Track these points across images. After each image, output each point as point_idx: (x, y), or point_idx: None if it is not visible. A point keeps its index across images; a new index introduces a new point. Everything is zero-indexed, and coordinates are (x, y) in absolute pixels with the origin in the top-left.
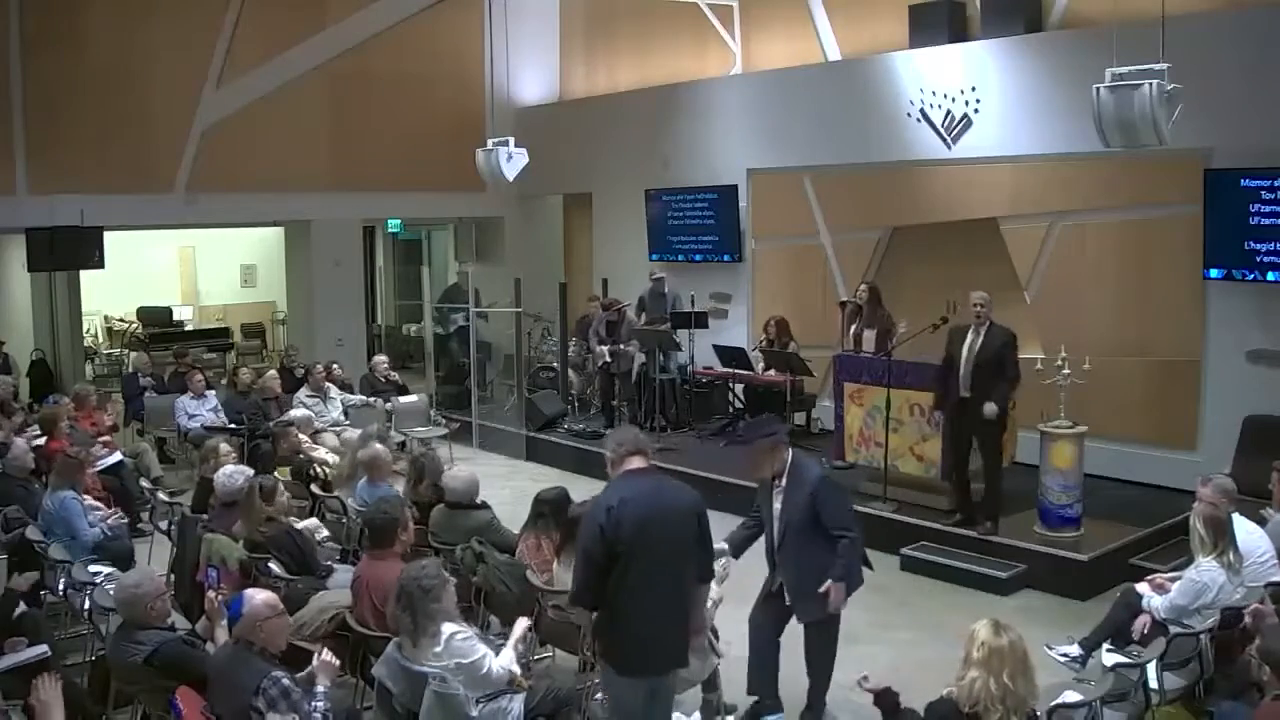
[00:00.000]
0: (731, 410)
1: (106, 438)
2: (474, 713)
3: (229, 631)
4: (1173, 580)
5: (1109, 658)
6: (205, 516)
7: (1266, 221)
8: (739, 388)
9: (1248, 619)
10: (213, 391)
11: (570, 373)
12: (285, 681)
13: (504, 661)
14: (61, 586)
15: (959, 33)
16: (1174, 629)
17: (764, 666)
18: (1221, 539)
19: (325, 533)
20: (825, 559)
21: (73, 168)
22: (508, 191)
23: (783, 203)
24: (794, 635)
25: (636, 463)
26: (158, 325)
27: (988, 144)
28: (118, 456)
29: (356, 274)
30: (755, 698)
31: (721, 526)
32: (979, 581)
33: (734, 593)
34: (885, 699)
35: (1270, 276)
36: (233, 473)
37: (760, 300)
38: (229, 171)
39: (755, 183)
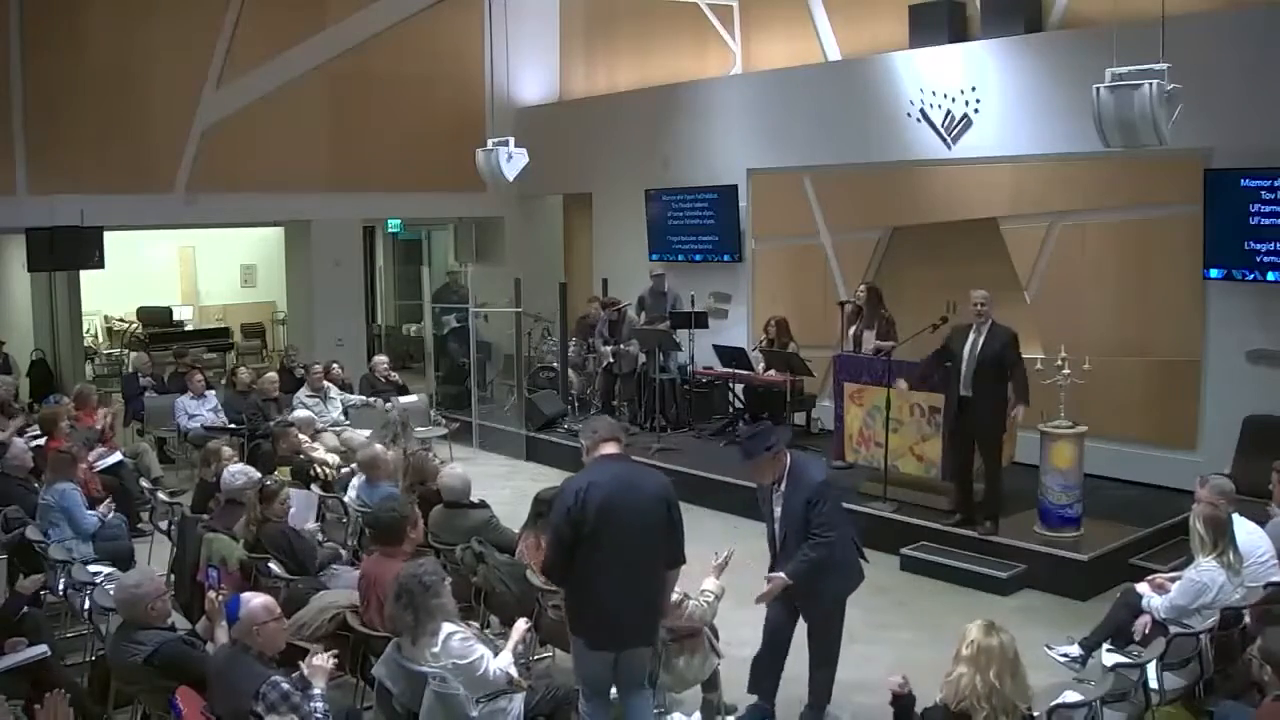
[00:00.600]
0: (731, 410)
1: (100, 413)
2: (474, 713)
3: (229, 632)
4: (1173, 580)
5: (1109, 658)
6: (205, 516)
7: (1266, 221)
8: (739, 388)
9: (1248, 619)
10: (213, 391)
11: (570, 373)
12: (284, 685)
13: (502, 663)
14: (61, 586)
15: (959, 33)
16: (1174, 629)
17: (771, 666)
18: (1221, 539)
19: (320, 535)
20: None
21: (73, 168)
22: (508, 191)
23: (783, 203)
24: (795, 636)
25: (609, 449)
26: (158, 325)
27: (988, 144)
28: (118, 456)
29: (356, 274)
30: (755, 697)
31: (722, 525)
32: (979, 581)
33: (732, 594)
34: (902, 703)
35: (1270, 276)
36: (237, 472)
37: (760, 300)
38: (229, 171)
39: (755, 183)
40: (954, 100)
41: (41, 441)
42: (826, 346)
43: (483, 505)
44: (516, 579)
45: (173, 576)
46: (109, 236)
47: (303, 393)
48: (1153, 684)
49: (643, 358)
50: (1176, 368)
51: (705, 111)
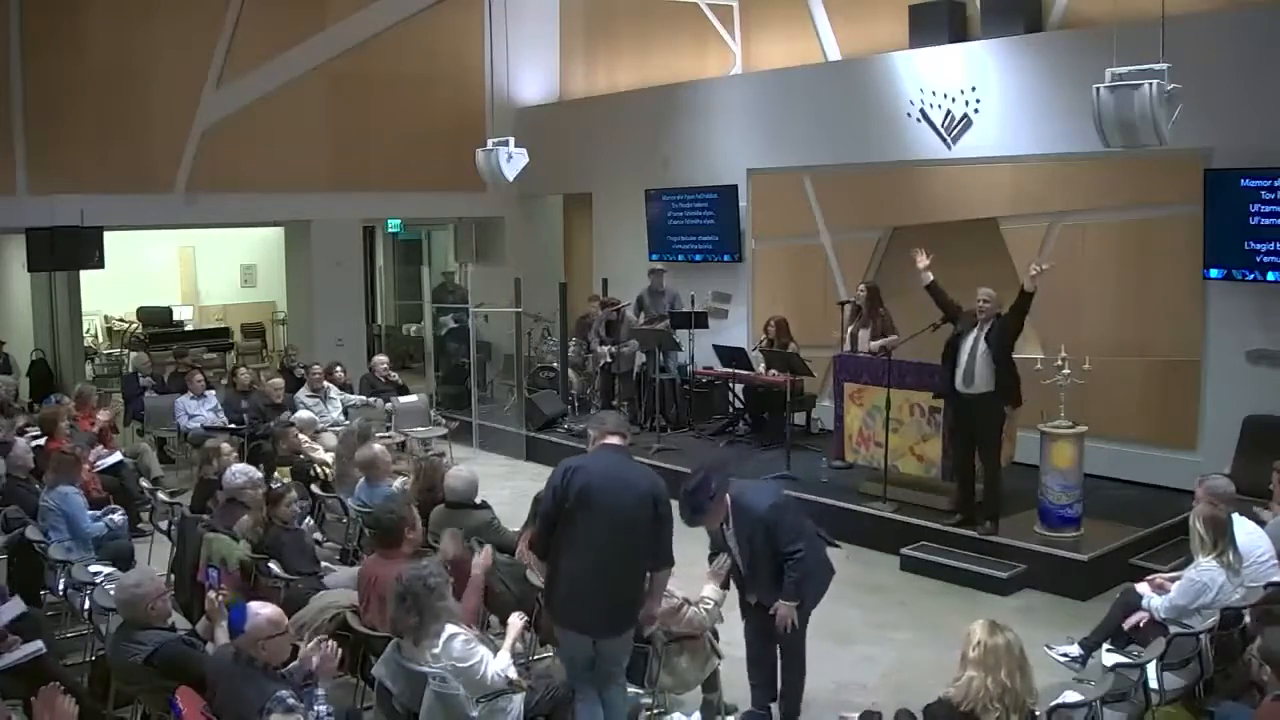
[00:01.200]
0: (731, 410)
1: (101, 418)
2: (474, 713)
3: (229, 633)
4: (1172, 580)
5: (1109, 658)
6: (205, 516)
7: (1266, 221)
8: (739, 388)
9: (1248, 619)
10: (213, 391)
11: (570, 373)
12: (290, 700)
13: (501, 665)
14: (61, 586)
15: (959, 33)
16: (1174, 629)
17: (761, 671)
18: (1221, 539)
19: (317, 534)
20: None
21: (73, 168)
22: (508, 191)
23: (783, 203)
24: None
25: (612, 440)
26: (158, 325)
27: (988, 144)
28: (118, 456)
29: (356, 274)
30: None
31: None
32: (979, 581)
33: (734, 595)
34: None
35: (1270, 276)
36: (238, 471)
37: (760, 300)
38: (229, 171)
39: (755, 183)
40: (954, 100)
41: (42, 441)
42: (826, 346)
43: (484, 506)
44: (516, 579)
45: (173, 576)
46: (109, 236)
47: (303, 393)
48: (1153, 684)
49: (642, 358)
50: (1176, 368)
51: (705, 111)
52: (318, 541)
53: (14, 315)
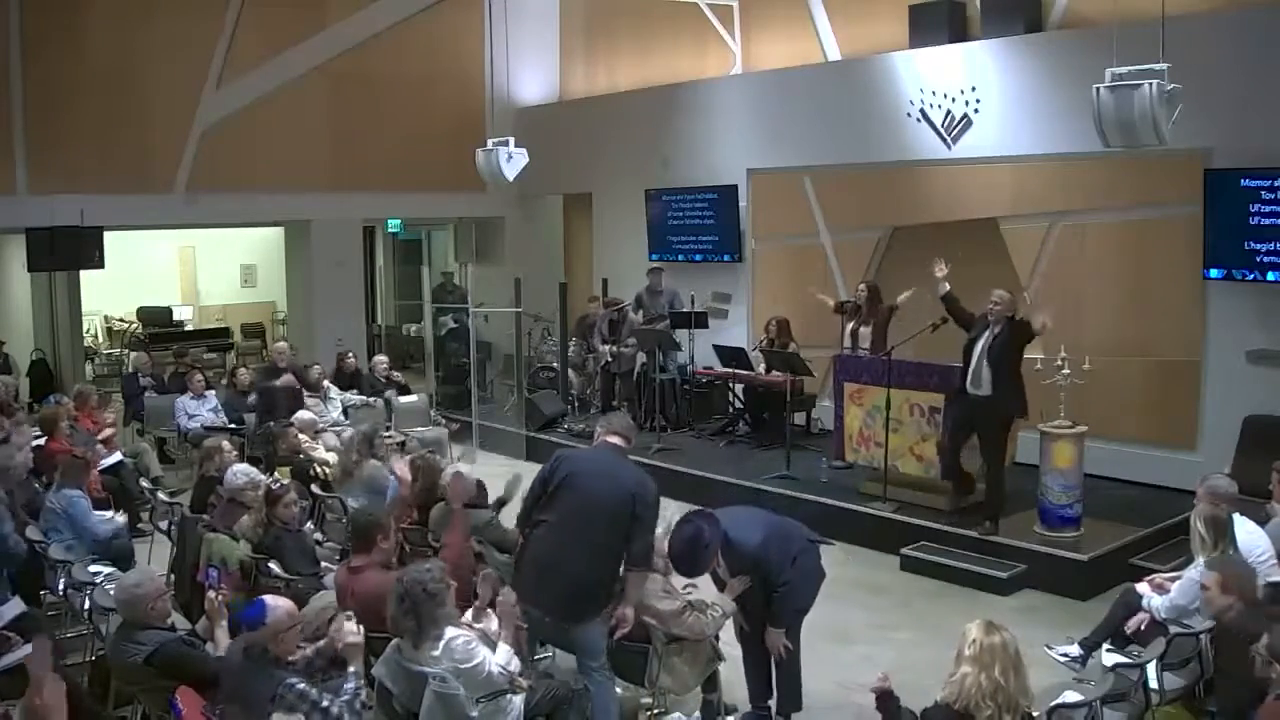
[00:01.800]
0: (731, 410)
1: (107, 433)
2: (474, 713)
3: (229, 632)
4: (1172, 580)
5: (1109, 658)
6: (205, 516)
7: (1266, 221)
8: (739, 388)
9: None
10: (213, 391)
11: (570, 373)
12: (300, 686)
13: (501, 659)
14: (61, 586)
15: (959, 33)
16: (1174, 629)
17: (758, 672)
18: (1222, 539)
19: (318, 535)
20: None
21: (73, 168)
22: (508, 191)
23: (783, 203)
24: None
25: (613, 440)
26: (158, 325)
27: (988, 144)
28: (118, 456)
29: (356, 274)
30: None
31: None
32: (979, 581)
33: None
34: (887, 703)
35: (1270, 276)
36: (239, 471)
37: (760, 300)
38: (229, 171)
39: (755, 183)
40: (954, 100)
41: (41, 441)
42: (826, 346)
43: (484, 505)
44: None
45: (173, 576)
46: (109, 236)
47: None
48: (1153, 684)
49: (642, 358)
50: (1176, 368)
51: (705, 111)
52: (318, 542)
53: (14, 315)
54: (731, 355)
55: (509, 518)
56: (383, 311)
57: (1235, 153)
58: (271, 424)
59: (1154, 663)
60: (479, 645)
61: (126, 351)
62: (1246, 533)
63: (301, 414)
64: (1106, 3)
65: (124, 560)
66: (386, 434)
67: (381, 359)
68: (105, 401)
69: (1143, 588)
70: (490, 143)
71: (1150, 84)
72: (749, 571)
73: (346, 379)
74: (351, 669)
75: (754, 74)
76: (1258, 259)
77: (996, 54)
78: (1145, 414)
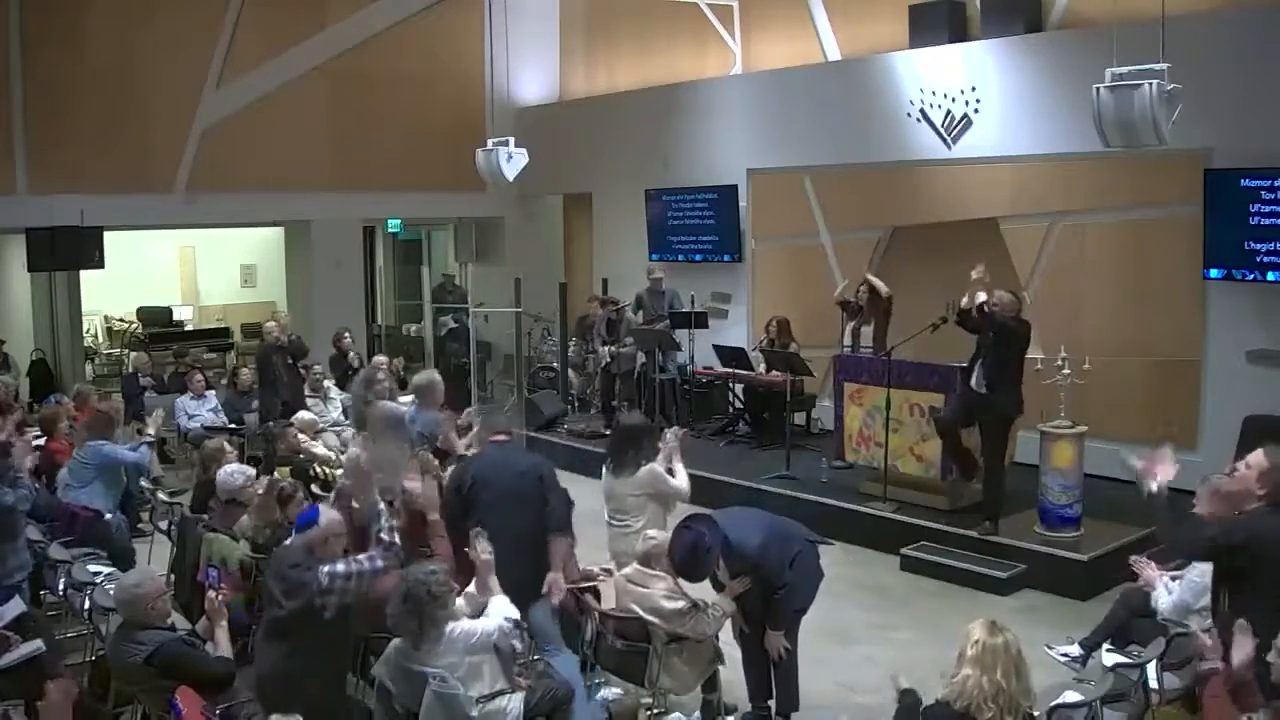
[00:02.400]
0: (731, 410)
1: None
2: (474, 713)
3: (229, 632)
4: (1174, 578)
5: (1109, 658)
6: (205, 516)
7: (1266, 221)
8: (739, 388)
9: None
10: (213, 391)
11: (570, 373)
12: (340, 568)
13: (498, 610)
14: (61, 586)
15: (959, 33)
16: (1174, 629)
17: (756, 672)
18: None
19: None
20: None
21: (73, 168)
22: (508, 191)
23: (783, 203)
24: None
25: (497, 439)
26: (158, 325)
27: (988, 144)
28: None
29: (356, 274)
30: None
31: None
32: (979, 581)
33: None
34: (908, 700)
35: (1270, 276)
36: (235, 471)
37: (760, 300)
38: (229, 171)
39: (755, 183)
40: (954, 100)
41: (41, 441)
42: (827, 346)
43: None
44: None
45: (173, 576)
46: (109, 236)
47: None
48: (1153, 684)
49: (642, 358)
50: (1176, 368)
51: (705, 111)
52: None
53: (14, 315)
54: (731, 355)
55: None
56: (383, 311)
57: (1235, 153)
58: (271, 423)
59: (1154, 663)
60: (473, 623)
61: (126, 351)
62: None
63: (301, 414)
64: (1106, 3)
65: (124, 560)
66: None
67: (381, 359)
68: (105, 401)
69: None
70: (490, 143)
71: (1150, 84)
72: (749, 573)
73: (342, 364)
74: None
75: (754, 74)
76: (1258, 259)
77: (996, 54)
78: (1145, 414)
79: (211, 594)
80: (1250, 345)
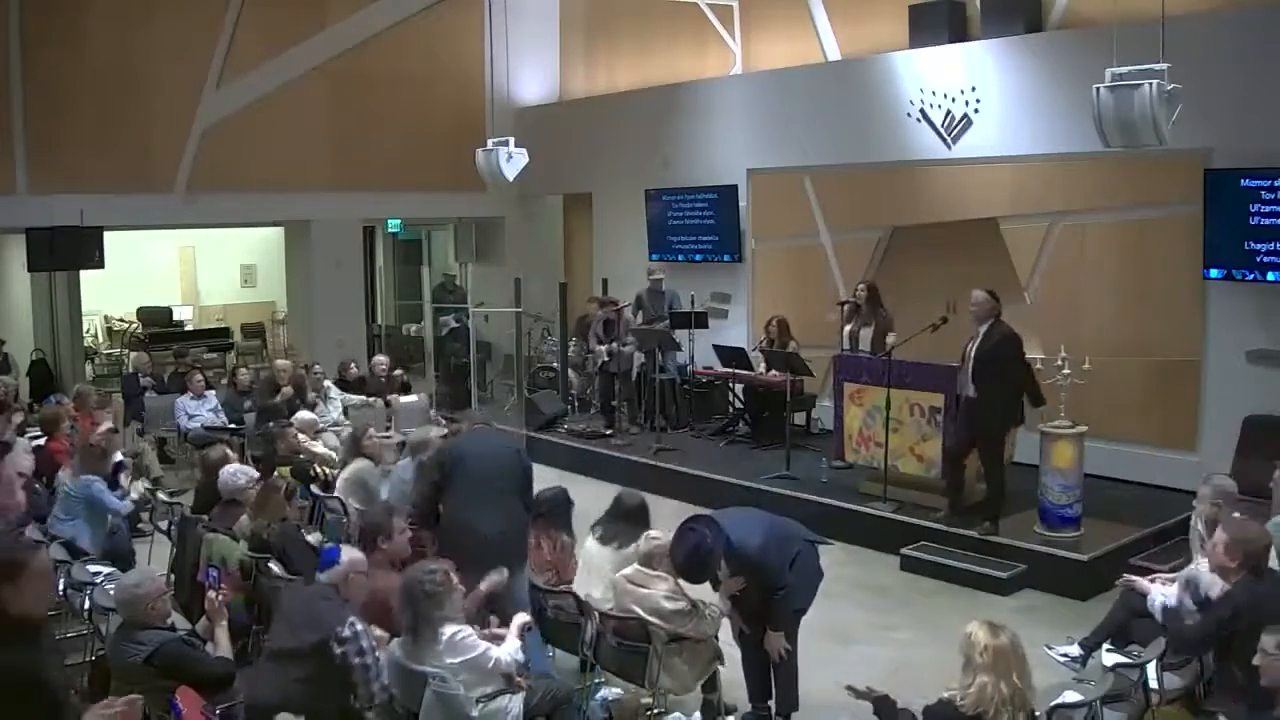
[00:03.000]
0: (731, 410)
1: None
2: (474, 713)
3: (229, 632)
4: (1171, 580)
5: (1109, 658)
6: (205, 517)
7: (1266, 221)
8: (739, 388)
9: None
10: (213, 391)
11: (570, 373)
12: (360, 627)
13: (509, 650)
14: (61, 586)
15: (959, 33)
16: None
17: (755, 672)
18: None
19: (317, 534)
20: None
21: (73, 168)
22: (508, 191)
23: (783, 203)
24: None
25: (479, 426)
26: (158, 325)
27: (988, 144)
28: (118, 456)
29: (356, 274)
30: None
31: None
32: (979, 581)
33: None
34: (883, 706)
35: (1270, 276)
36: (236, 471)
37: (760, 300)
38: (229, 171)
39: (755, 183)
40: (954, 100)
41: (42, 441)
42: (827, 346)
43: None
44: None
45: (173, 576)
46: (109, 236)
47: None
48: (1153, 684)
49: (642, 358)
50: (1176, 368)
51: (705, 111)
52: (319, 542)
53: (14, 315)
54: (731, 355)
55: None
56: (383, 311)
57: (1235, 153)
58: (271, 423)
59: (1154, 663)
60: (479, 639)
61: (126, 351)
62: None
63: (302, 414)
64: (1106, 3)
65: (124, 560)
66: (385, 434)
67: (381, 359)
68: (105, 402)
69: (1145, 585)
70: (490, 143)
71: (1150, 84)
72: (749, 574)
73: (352, 388)
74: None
75: (754, 74)
76: (1258, 259)
77: (996, 54)
78: (1145, 414)
79: (211, 594)
80: (1250, 345)
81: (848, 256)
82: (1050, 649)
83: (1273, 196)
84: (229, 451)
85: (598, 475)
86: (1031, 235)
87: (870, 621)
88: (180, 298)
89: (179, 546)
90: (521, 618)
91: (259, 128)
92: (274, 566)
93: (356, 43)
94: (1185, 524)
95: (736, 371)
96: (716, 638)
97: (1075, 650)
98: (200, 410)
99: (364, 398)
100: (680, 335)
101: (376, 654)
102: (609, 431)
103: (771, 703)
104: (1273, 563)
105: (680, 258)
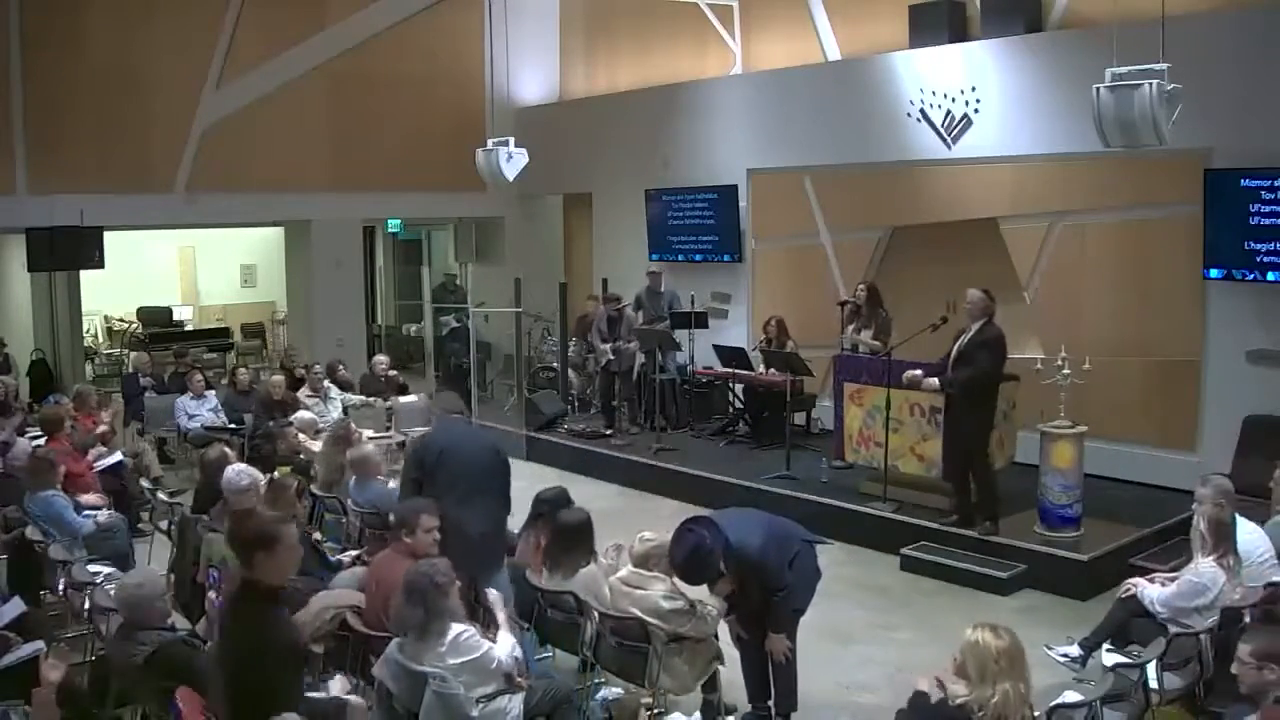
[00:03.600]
0: (731, 410)
1: (104, 427)
2: (474, 713)
3: None
4: (1171, 579)
5: (1109, 658)
6: (205, 517)
7: (1266, 221)
8: (739, 388)
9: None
10: (213, 391)
11: (570, 373)
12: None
13: (506, 647)
14: (61, 586)
15: (959, 33)
16: (1174, 629)
17: (754, 672)
18: (1223, 541)
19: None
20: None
21: (73, 168)
22: (508, 191)
23: (783, 203)
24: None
25: (454, 416)
26: (158, 325)
27: (988, 144)
28: (118, 456)
29: (356, 274)
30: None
31: None
32: (979, 581)
33: None
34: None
35: (1270, 276)
36: (241, 471)
37: (760, 300)
38: (229, 171)
39: (755, 183)
40: (954, 100)
41: (42, 441)
42: (826, 346)
43: None
44: (516, 579)
45: (173, 576)
46: (109, 236)
47: (302, 393)
48: (1153, 684)
49: (642, 358)
50: (1176, 368)
51: (705, 111)
52: (318, 541)
53: (14, 315)
54: (731, 355)
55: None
56: (383, 311)
57: (1235, 153)
58: (272, 423)
59: (1154, 663)
60: (480, 638)
61: (126, 351)
62: (1246, 534)
63: (301, 414)
64: (1106, 3)
65: (120, 558)
66: (385, 434)
67: (381, 359)
68: (105, 402)
69: (1136, 580)
70: (490, 143)
71: (1150, 84)
72: (749, 575)
73: (341, 389)
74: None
75: (754, 74)
76: (1258, 259)
77: (996, 54)
78: (1145, 414)
79: (212, 594)
80: (1250, 345)
81: (848, 256)
82: (1050, 649)
83: (1273, 196)
84: (228, 450)
85: (598, 475)
86: (1031, 235)
87: (870, 621)
88: (180, 298)
89: (179, 547)
90: (501, 599)
91: (259, 128)
92: None
93: (356, 43)
94: (1185, 524)
95: (736, 371)
96: (716, 637)
97: (1075, 650)
98: (200, 410)
99: (364, 398)
100: (680, 335)
101: None
102: (609, 431)
103: (771, 703)
104: (1241, 543)
105: (680, 258)
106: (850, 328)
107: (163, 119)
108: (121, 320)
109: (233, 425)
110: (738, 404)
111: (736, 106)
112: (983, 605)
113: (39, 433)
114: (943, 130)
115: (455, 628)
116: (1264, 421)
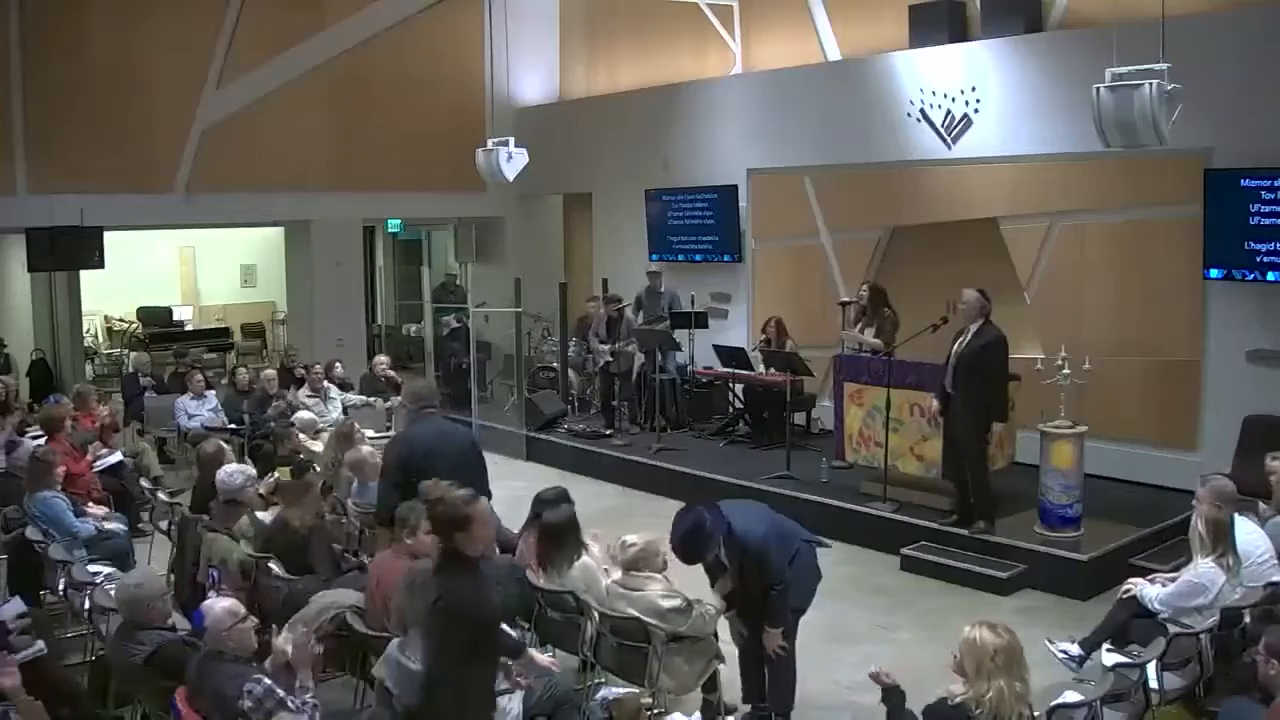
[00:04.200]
0: (731, 410)
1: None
2: None
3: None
4: (1171, 579)
5: (1109, 658)
6: (205, 517)
7: (1266, 221)
8: (739, 388)
9: (1248, 619)
10: (212, 391)
11: (570, 373)
12: (267, 681)
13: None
14: (61, 586)
15: (959, 33)
16: (1174, 629)
17: (753, 671)
18: (1222, 542)
19: None
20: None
21: (73, 168)
22: (508, 191)
23: (783, 203)
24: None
25: (429, 411)
26: (158, 325)
27: (988, 144)
28: (118, 456)
29: (356, 274)
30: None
31: None
32: (979, 581)
33: None
34: (892, 698)
35: (1270, 276)
36: (235, 471)
37: (760, 300)
38: (229, 171)
39: (755, 183)
40: (954, 100)
41: (43, 441)
42: (827, 346)
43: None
44: (516, 580)
45: (173, 576)
46: (109, 236)
47: (302, 393)
48: (1153, 684)
49: (642, 358)
50: (1176, 368)
51: (705, 111)
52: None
53: (14, 315)
54: (731, 355)
55: (507, 519)
56: (383, 311)
57: (1235, 153)
58: (272, 423)
59: (1154, 663)
60: None
61: (126, 351)
62: (1246, 534)
63: (301, 414)
64: (1106, 3)
65: (120, 559)
66: (385, 434)
67: (381, 359)
68: (105, 401)
69: (1136, 580)
70: (490, 143)
71: (1150, 84)
72: (749, 563)
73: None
74: (300, 683)
75: (754, 74)
76: (1258, 259)
77: (996, 54)
78: (1145, 414)
79: (212, 594)
80: (1250, 345)
81: (848, 256)
82: (1051, 643)
83: (1273, 196)
84: (223, 445)
85: (598, 475)
86: (1031, 235)
87: (870, 621)
88: (180, 298)
89: (179, 546)
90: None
91: (259, 128)
92: (274, 567)
93: (356, 43)
94: (1185, 524)
95: (736, 371)
96: (716, 637)
97: (1075, 650)
98: (200, 410)
99: (364, 397)
100: (680, 335)
101: (305, 698)
102: (609, 431)
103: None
104: (1241, 543)
105: (680, 258)
106: (856, 327)
107: (163, 119)
108: (121, 320)
109: (233, 425)
110: (738, 404)
111: (736, 107)
112: (983, 605)
113: (39, 432)
114: (943, 130)
115: None
116: (1264, 421)
